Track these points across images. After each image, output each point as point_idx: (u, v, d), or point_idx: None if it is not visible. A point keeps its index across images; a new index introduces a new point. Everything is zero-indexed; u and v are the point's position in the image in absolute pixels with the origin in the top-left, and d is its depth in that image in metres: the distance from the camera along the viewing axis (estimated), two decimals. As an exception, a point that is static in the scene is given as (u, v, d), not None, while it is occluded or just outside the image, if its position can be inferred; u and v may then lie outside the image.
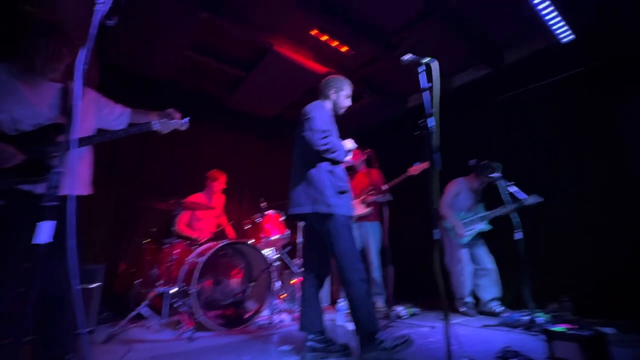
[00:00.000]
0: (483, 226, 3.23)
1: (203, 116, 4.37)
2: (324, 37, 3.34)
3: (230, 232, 3.76)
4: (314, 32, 3.28)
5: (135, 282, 3.00)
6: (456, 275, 3.28)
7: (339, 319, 2.86)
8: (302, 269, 2.16)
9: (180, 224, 3.46)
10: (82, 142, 1.50)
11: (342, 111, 2.21)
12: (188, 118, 1.84)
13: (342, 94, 2.18)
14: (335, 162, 2.01)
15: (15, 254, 1.30)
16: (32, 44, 1.49)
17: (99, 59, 3.11)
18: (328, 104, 2.17)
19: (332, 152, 1.95)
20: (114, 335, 2.31)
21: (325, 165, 1.97)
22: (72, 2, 2.15)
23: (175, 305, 2.61)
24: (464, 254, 3.26)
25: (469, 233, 3.21)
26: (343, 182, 1.99)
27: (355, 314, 1.84)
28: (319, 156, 1.96)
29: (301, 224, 2.78)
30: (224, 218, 3.82)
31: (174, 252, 2.76)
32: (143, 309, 2.54)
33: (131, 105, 1.87)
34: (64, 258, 1.17)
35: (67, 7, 2.16)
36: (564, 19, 2.80)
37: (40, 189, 1.39)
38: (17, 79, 1.45)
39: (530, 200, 2.87)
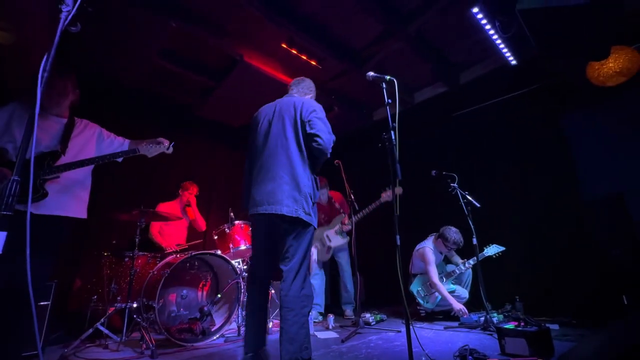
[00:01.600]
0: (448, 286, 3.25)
1: (173, 124, 4.27)
2: (294, 51, 3.44)
3: (201, 222, 3.72)
4: (283, 45, 3.37)
5: (91, 299, 2.81)
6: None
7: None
8: (251, 276, 1.89)
9: (154, 229, 3.45)
10: (72, 166, 1.67)
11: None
12: (173, 143, 2.06)
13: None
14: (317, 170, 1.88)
15: None
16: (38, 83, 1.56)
17: (77, 78, 2.97)
18: None
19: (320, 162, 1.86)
20: (66, 357, 2.15)
21: (312, 173, 1.80)
22: (37, 8, 2.08)
23: (136, 321, 2.49)
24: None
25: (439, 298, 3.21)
26: (318, 192, 1.87)
27: (294, 327, 1.63)
28: (314, 160, 1.81)
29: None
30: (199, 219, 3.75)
31: (135, 265, 2.64)
32: (100, 326, 2.39)
33: (100, 112, 2.02)
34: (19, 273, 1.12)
35: (32, 13, 2.09)
36: (507, 46, 3.13)
37: (31, 208, 1.37)
38: (26, 112, 1.53)
39: (492, 250, 3.10)
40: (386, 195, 3.36)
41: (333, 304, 4.46)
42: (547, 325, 2.04)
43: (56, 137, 1.70)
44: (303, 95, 2.09)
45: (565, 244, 3.16)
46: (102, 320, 2.42)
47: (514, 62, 3.34)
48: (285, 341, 1.59)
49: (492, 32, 2.99)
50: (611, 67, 2.79)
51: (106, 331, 2.43)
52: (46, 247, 1.59)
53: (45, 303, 2.43)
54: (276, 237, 1.79)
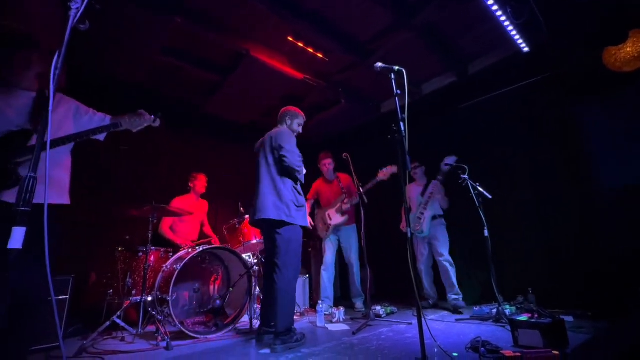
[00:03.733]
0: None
1: (179, 121, 4.31)
2: (300, 44, 3.41)
3: (215, 241, 3.71)
4: (289, 38, 3.34)
5: (107, 292, 2.89)
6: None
7: (320, 320, 2.89)
8: (266, 266, 2.55)
9: (164, 225, 3.46)
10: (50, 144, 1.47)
11: (296, 135, 2.62)
12: (160, 114, 1.83)
13: (296, 122, 2.66)
14: (297, 181, 2.44)
15: None
16: None
17: (66, 63, 3.00)
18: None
19: (300, 174, 2.41)
20: (85, 349, 2.22)
21: (290, 182, 2.40)
22: (41, 8, 2.09)
23: (151, 314, 2.54)
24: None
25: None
26: (302, 197, 2.44)
27: (281, 307, 2.17)
28: (288, 175, 2.39)
29: None
30: (208, 227, 3.78)
31: (149, 260, 2.69)
32: (116, 319, 2.46)
33: (105, 110, 1.84)
34: (32, 267, 1.14)
35: (37, 13, 2.09)
36: (519, 33, 3.04)
37: (5, 196, 1.34)
38: None
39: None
40: (382, 174, 3.43)
41: (342, 297, 4.49)
42: (561, 317, 2.01)
43: (26, 114, 1.49)
44: (281, 125, 2.67)
45: (579, 235, 3.09)
46: (118, 313, 2.49)
47: (526, 50, 3.24)
48: (281, 315, 2.16)
49: (503, 18, 2.90)
50: (629, 51, 2.69)
51: (122, 324, 2.49)
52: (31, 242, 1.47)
53: (64, 297, 2.51)
54: (271, 236, 2.39)
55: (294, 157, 2.36)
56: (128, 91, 3.83)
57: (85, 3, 1.07)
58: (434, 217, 3.56)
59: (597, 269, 2.93)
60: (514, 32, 3.06)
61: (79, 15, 1.07)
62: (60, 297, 2.48)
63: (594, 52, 2.88)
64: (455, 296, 3.34)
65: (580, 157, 3.18)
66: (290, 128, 2.63)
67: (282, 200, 2.33)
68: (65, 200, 1.56)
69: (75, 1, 1.03)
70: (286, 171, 2.39)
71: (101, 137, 1.72)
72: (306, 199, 3.87)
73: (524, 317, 2.03)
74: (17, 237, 0.83)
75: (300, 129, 2.68)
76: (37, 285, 1.29)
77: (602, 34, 2.73)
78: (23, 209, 0.85)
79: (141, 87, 3.90)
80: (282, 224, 2.31)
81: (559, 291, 3.06)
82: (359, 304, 3.75)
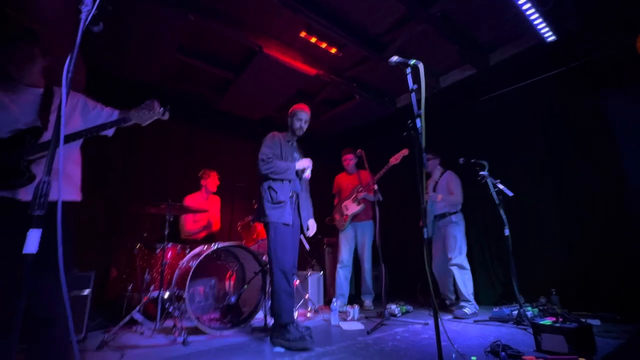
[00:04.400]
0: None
1: (193, 118, 4.36)
2: (313, 39, 3.35)
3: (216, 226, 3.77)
4: (302, 34, 3.30)
5: (127, 288, 2.97)
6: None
7: (334, 319, 2.88)
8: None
9: (188, 223, 3.53)
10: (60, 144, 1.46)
11: (299, 132, 2.66)
12: (168, 106, 1.78)
13: (294, 120, 2.63)
14: (281, 180, 2.47)
15: None
16: (2, 51, 1.47)
17: (85, 62, 3.07)
18: (283, 133, 2.69)
19: (277, 174, 2.45)
20: (107, 342, 2.29)
21: (266, 183, 2.48)
22: (53, 8, 2.12)
23: (168, 310, 2.60)
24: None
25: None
26: (278, 194, 2.43)
27: (273, 303, 2.29)
28: (264, 176, 2.48)
29: None
30: (217, 224, 3.82)
31: (166, 256, 2.74)
32: (136, 314, 2.52)
33: (118, 108, 1.83)
34: (51, 266, 1.17)
35: (48, 13, 2.13)
36: (545, 20, 2.87)
37: (21, 195, 1.37)
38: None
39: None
40: (394, 159, 3.39)
41: (357, 295, 4.46)
42: (588, 320, 1.91)
43: (34, 111, 1.48)
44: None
45: (607, 233, 2.92)
46: (137, 308, 2.55)
47: (551, 39, 3.07)
48: (272, 314, 2.32)
49: (527, 6, 2.75)
50: (666, 38, 2.49)
51: (141, 318, 2.56)
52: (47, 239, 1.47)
53: (86, 292, 2.59)
54: None
55: (258, 163, 2.46)
56: (140, 89, 3.88)
57: (95, 5, 1.07)
58: (442, 216, 3.35)
59: (627, 269, 2.76)
60: (538, 21, 2.90)
61: (89, 17, 1.07)
62: (84, 292, 2.57)
63: (627, 39, 2.68)
64: (463, 303, 3.11)
65: (608, 151, 2.99)
66: (291, 128, 2.66)
67: (260, 202, 2.48)
68: (77, 196, 1.55)
69: (85, 4, 1.02)
70: (260, 173, 2.49)
71: (109, 132, 1.68)
72: (332, 194, 4.09)
73: (547, 321, 1.94)
74: (32, 241, 0.84)
75: (299, 124, 2.63)
76: (56, 284, 1.33)
77: (636, 20, 2.53)
78: (38, 213, 0.86)
79: (154, 84, 3.94)
80: (265, 226, 2.46)
81: (585, 293, 2.91)
82: (368, 301, 3.72)
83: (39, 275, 1.16)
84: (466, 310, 2.99)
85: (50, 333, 1.34)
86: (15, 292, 0.81)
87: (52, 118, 1.49)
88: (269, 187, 2.46)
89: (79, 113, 1.63)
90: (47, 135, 1.45)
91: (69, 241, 1.28)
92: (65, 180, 1.50)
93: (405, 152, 3.36)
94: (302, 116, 2.64)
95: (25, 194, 1.36)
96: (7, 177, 1.35)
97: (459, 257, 3.19)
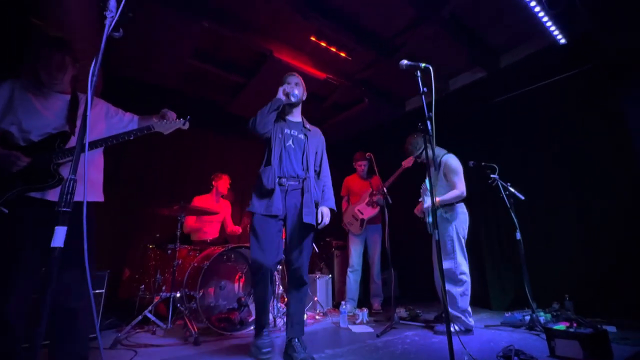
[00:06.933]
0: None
1: (206, 122, 4.43)
2: (323, 43, 3.39)
3: (238, 229, 3.80)
4: (312, 38, 3.34)
5: (139, 288, 3.02)
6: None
7: (343, 321, 2.87)
8: None
9: (188, 222, 3.56)
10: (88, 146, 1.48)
11: (286, 99, 2.25)
12: (189, 117, 1.86)
13: (280, 87, 2.25)
14: (266, 165, 2.15)
15: (26, 259, 1.33)
16: (35, 58, 1.55)
17: (103, 68, 3.17)
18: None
19: (264, 114, 2.14)
20: (120, 341, 2.33)
21: (259, 172, 2.17)
22: (77, 15, 2.20)
23: (179, 310, 2.63)
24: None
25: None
26: (267, 182, 2.09)
27: (254, 301, 2.13)
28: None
29: None
30: (231, 227, 3.86)
31: (177, 257, 2.78)
32: (148, 314, 2.56)
33: (134, 112, 1.90)
34: (73, 264, 1.21)
35: (72, 20, 2.21)
36: (556, 23, 2.85)
37: (50, 196, 1.43)
38: (27, 91, 1.51)
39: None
40: (406, 163, 3.32)
41: (365, 298, 4.44)
42: (603, 326, 1.88)
43: (62, 116, 1.55)
44: None
45: (623, 236, 2.86)
46: (149, 308, 2.59)
47: (563, 41, 3.05)
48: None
49: (537, 9, 2.74)
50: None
51: (153, 318, 2.59)
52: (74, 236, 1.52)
53: (100, 291, 2.65)
54: None
55: (248, 127, 2.18)
56: (155, 93, 3.98)
57: (119, 11, 1.11)
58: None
59: (644, 276, 2.70)
60: (549, 24, 2.89)
61: (113, 23, 1.12)
62: (97, 291, 2.62)
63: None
64: (457, 314, 2.44)
65: (626, 152, 2.92)
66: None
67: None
68: (99, 197, 1.63)
69: (110, 10, 1.07)
70: (253, 132, 2.17)
71: (132, 138, 1.73)
72: (341, 197, 3.89)
73: (561, 326, 1.91)
74: (59, 236, 0.87)
75: (282, 93, 2.23)
76: (79, 281, 1.37)
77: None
78: (64, 209, 0.90)
79: (168, 89, 4.04)
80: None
81: (600, 298, 2.85)
82: (376, 304, 3.71)
83: (64, 269, 1.21)
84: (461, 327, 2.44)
85: (73, 329, 1.38)
86: (42, 287, 0.84)
87: (79, 123, 1.56)
88: (258, 176, 2.16)
89: (103, 119, 1.71)
90: (74, 140, 1.52)
91: (92, 239, 1.36)
92: (89, 184, 1.56)
93: (410, 163, 3.30)
94: (284, 80, 2.33)
95: (54, 195, 1.44)
96: (38, 178, 1.42)
97: (448, 261, 2.50)
